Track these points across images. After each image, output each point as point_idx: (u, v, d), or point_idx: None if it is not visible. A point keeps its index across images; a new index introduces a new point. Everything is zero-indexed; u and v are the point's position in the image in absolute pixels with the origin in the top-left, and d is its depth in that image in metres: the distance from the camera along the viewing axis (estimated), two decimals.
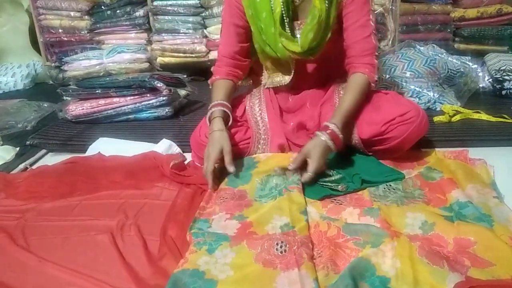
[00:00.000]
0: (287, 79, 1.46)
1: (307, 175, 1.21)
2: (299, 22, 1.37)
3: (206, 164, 1.26)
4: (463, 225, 1.00)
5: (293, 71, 1.43)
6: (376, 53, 1.36)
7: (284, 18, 1.32)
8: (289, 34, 1.34)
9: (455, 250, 0.95)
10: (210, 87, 1.47)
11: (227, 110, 1.35)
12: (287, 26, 1.34)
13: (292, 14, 1.34)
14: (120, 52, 2.02)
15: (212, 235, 1.04)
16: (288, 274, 0.89)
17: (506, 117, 1.73)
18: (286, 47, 1.34)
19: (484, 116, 1.77)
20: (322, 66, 1.45)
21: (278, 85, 1.49)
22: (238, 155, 1.40)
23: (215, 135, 1.28)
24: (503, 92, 2.03)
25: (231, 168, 1.27)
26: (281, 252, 0.95)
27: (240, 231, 1.06)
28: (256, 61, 1.53)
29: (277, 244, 0.98)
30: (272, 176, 1.26)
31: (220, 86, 1.42)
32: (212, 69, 1.49)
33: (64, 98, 2.08)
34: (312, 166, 1.20)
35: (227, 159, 1.27)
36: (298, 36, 1.36)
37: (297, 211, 1.10)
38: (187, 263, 0.94)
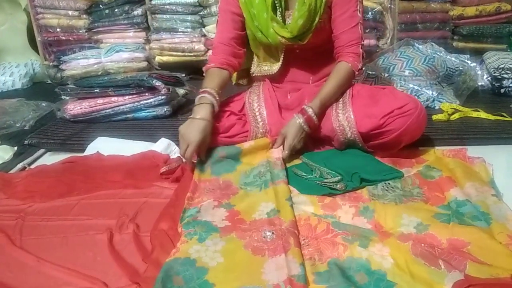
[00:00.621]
0: (275, 69, 1.49)
1: (284, 153, 1.35)
2: (289, 12, 1.42)
3: (187, 149, 1.28)
4: (457, 227, 1.00)
5: (281, 59, 1.47)
6: (362, 42, 1.43)
7: (277, 5, 1.38)
8: (280, 20, 1.39)
9: (450, 249, 0.94)
10: (204, 74, 1.48)
11: (213, 99, 1.36)
12: (279, 14, 1.39)
13: (283, 4, 1.39)
14: (118, 51, 2.02)
15: (202, 225, 1.06)
16: (276, 260, 0.92)
17: (505, 115, 1.73)
18: (277, 32, 1.38)
19: (483, 115, 1.77)
20: (313, 58, 1.49)
21: (266, 74, 1.52)
22: None
23: (201, 124, 1.29)
24: (502, 90, 2.03)
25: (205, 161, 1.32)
26: (269, 239, 0.99)
27: (228, 219, 1.09)
28: (248, 57, 1.57)
29: (264, 233, 1.01)
30: (257, 167, 1.31)
31: (212, 74, 1.44)
32: (207, 57, 1.50)
33: (62, 97, 2.07)
34: (286, 144, 1.35)
35: (204, 151, 1.33)
36: (288, 23, 1.40)
37: (283, 197, 1.14)
38: (178, 252, 0.96)
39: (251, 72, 1.57)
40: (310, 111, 1.35)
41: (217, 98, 1.37)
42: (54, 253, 1.05)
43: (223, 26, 1.48)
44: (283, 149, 1.36)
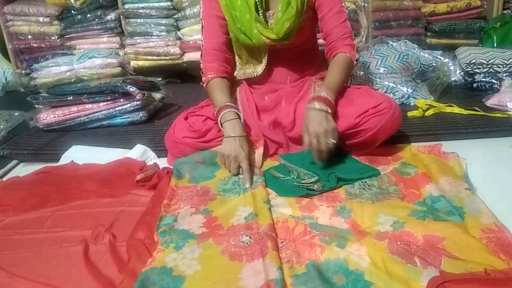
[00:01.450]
0: (259, 70, 1.49)
1: (312, 142, 1.24)
2: (270, 12, 1.42)
3: (242, 164, 1.28)
4: (432, 223, 1.02)
5: (265, 61, 1.47)
6: (353, 36, 1.45)
7: (258, 6, 1.38)
8: (263, 21, 1.39)
9: (425, 245, 0.95)
10: (204, 85, 1.47)
11: (238, 112, 1.36)
12: (261, 14, 1.39)
13: (264, 4, 1.40)
14: (91, 57, 1.99)
15: (178, 233, 1.05)
16: (253, 265, 0.91)
17: (478, 109, 1.76)
18: (261, 32, 1.38)
19: (456, 110, 1.80)
20: (292, 58, 1.49)
21: (250, 76, 1.52)
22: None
23: (242, 139, 1.31)
24: (474, 85, 2.06)
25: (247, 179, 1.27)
26: (247, 243, 0.98)
27: (206, 225, 1.08)
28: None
29: (242, 237, 1.01)
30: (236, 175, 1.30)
31: (221, 86, 1.42)
32: (201, 65, 1.48)
33: (36, 106, 2.03)
34: (310, 132, 1.24)
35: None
36: (270, 24, 1.41)
37: (260, 200, 1.14)
38: (155, 262, 0.95)
39: (234, 75, 1.56)
40: (322, 94, 1.29)
41: (238, 109, 1.38)
42: (28, 267, 1.02)
43: (210, 32, 1.46)
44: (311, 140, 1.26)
